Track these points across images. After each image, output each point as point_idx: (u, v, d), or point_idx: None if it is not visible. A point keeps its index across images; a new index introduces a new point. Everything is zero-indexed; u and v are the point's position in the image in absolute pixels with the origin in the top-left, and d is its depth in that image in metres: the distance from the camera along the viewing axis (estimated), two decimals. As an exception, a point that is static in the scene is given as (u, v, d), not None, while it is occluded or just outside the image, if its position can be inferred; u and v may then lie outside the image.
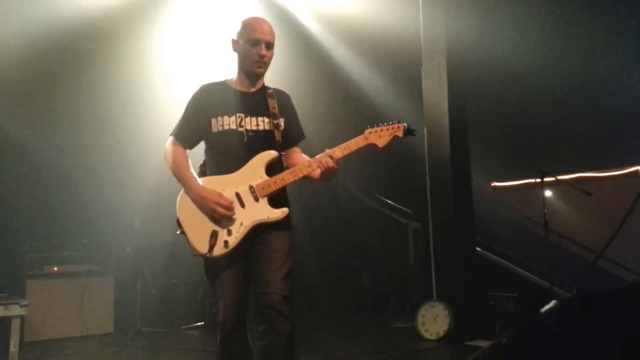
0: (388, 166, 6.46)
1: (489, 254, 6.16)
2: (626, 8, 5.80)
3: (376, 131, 2.39)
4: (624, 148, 6.32)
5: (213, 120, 2.44)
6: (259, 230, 2.37)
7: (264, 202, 2.37)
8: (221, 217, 2.31)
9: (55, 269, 5.07)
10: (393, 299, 6.80)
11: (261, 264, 2.36)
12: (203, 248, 2.31)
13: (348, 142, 2.40)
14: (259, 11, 5.60)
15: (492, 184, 8.12)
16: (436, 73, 5.16)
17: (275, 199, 2.41)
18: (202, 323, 5.69)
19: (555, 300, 1.31)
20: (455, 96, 5.13)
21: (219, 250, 2.30)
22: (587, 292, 1.42)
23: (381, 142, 2.38)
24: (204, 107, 2.47)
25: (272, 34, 2.46)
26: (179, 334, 5.42)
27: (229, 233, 2.32)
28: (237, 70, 2.53)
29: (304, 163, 2.42)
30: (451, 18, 5.26)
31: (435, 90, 5.15)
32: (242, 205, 2.35)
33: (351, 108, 6.87)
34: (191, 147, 2.52)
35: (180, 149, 2.47)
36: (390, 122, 2.41)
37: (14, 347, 4.00)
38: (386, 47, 6.09)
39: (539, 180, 5.00)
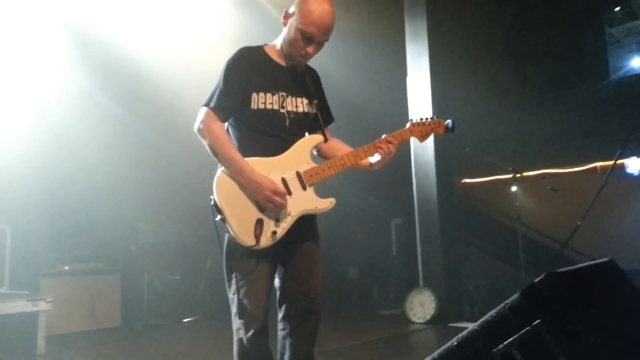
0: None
1: (467, 246, 6.73)
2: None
3: (419, 125, 2.33)
4: (582, 146, 6.90)
5: (254, 94, 2.18)
6: (296, 226, 2.19)
7: (311, 190, 2.18)
8: (277, 206, 2.09)
9: (66, 267, 5.34)
10: (378, 290, 7.30)
11: (301, 262, 2.27)
12: (248, 239, 2.07)
13: (393, 134, 2.28)
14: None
15: (463, 181, 8.68)
16: (420, 84, 5.67)
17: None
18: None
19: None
20: (439, 106, 5.60)
21: (265, 241, 2.09)
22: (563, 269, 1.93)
23: (423, 138, 2.34)
24: (245, 76, 2.19)
25: (330, 32, 2.18)
26: (182, 326, 5.78)
27: (277, 223, 2.11)
28: (279, 42, 2.28)
29: (353, 152, 2.24)
30: (433, 25, 5.71)
31: (420, 100, 5.66)
32: (289, 192, 2.14)
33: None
34: (225, 120, 2.21)
35: (220, 123, 2.16)
36: (432, 117, 2.36)
37: (41, 340, 4.30)
38: (370, 57, 6.51)
39: (507, 176, 5.59)
